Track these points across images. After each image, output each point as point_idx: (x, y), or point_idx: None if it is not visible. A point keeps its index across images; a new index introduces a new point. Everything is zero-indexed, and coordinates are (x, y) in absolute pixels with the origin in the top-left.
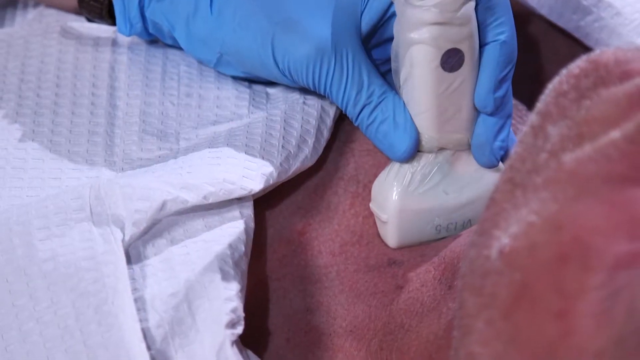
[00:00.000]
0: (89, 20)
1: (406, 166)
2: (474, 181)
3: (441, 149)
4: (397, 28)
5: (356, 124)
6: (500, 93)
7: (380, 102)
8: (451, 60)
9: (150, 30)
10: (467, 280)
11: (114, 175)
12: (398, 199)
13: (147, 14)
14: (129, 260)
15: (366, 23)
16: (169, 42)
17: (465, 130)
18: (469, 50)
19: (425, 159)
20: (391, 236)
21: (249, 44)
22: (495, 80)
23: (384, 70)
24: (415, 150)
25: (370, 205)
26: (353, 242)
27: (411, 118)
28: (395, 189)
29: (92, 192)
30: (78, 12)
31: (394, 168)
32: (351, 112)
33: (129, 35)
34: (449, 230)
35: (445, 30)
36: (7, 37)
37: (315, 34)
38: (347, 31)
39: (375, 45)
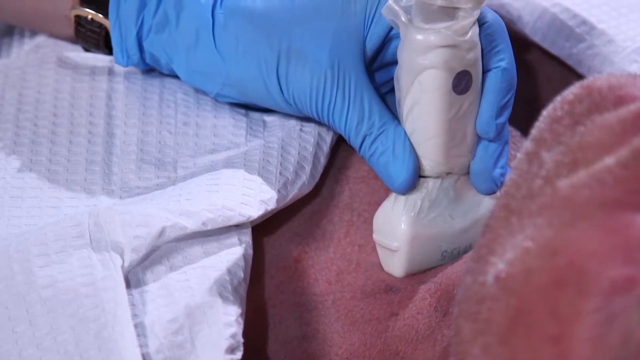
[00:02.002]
0: (86, 50)
1: (415, 193)
2: (475, 204)
3: (447, 174)
4: (404, 55)
5: (360, 155)
6: (502, 119)
7: (380, 134)
8: (461, 82)
9: (148, 61)
10: (463, 306)
11: (112, 203)
12: (409, 226)
13: (145, 45)
14: (128, 286)
15: (369, 49)
16: (166, 72)
17: (469, 153)
18: (475, 73)
19: (432, 185)
20: (400, 265)
21: (254, 75)
22: (498, 107)
23: (385, 91)
24: (413, 182)
25: (375, 236)
26: (349, 271)
27: (410, 149)
28: (405, 216)
29: (91, 219)
30: (75, 41)
31: (400, 196)
32: (354, 143)
33: (126, 66)
34: (452, 255)
35: (455, 53)
36: (3, 68)
37: (317, 61)
38: (350, 57)
39: (376, 68)
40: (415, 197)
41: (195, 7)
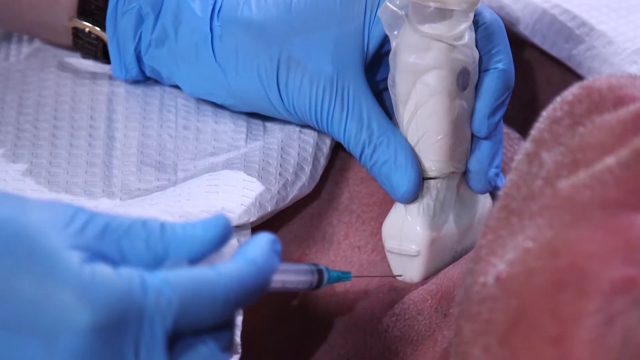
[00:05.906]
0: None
1: (426, 196)
2: (474, 203)
3: (451, 173)
4: (402, 58)
5: (361, 164)
6: (495, 119)
7: (380, 143)
8: (462, 80)
9: (148, 74)
10: (463, 307)
11: (112, 205)
12: (428, 229)
13: (145, 60)
14: None
15: (371, 50)
16: (168, 83)
17: (469, 151)
18: (473, 71)
19: (440, 186)
20: (419, 270)
21: (256, 86)
22: (492, 106)
23: (383, 88)
24: (417, 192)
25: (388, 244)
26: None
27: (413, 158)
28: (422, 220)
29: None
30: (74, 49)
31: (412, 202)
32: (354, 151)
33: (125, 78)
34: (460, 255)
35: (456, 52)
36: (4, 71)
37: (316, 71)
38: (349, 65)
39: (375, 63)
40: (428, 200)
41: (193, 21)
